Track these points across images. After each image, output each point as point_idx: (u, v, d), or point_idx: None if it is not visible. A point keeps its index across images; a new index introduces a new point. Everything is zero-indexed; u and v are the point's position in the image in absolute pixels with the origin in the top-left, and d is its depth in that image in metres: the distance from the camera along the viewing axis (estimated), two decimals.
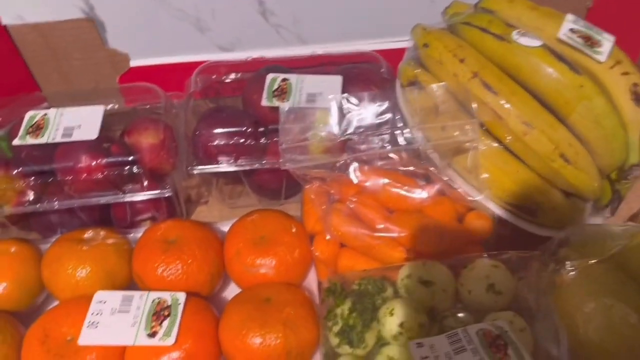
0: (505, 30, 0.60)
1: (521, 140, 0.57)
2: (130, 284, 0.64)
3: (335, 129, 0.62)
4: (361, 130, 0.62)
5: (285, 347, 0.54)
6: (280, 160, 0.61)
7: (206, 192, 0.80)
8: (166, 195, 0.69)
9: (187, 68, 0.77)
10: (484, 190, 0.60)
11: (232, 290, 0.66)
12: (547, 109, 0.58)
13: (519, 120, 0.57)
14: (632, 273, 0.53)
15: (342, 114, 0.62)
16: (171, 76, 0.78)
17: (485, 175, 0.60)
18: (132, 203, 0.69)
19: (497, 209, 0.61)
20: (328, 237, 0.61)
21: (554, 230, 0.61)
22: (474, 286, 0.54)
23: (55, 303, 0.65)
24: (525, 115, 0.57)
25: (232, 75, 0.77)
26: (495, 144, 0.60)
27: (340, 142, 0.61)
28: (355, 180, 0.60)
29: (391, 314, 0.52)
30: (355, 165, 0.60)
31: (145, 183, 0.68)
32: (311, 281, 0.65)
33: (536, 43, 0.58)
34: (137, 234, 0.68)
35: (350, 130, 0.62)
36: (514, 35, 0.59)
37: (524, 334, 0.50)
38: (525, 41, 0.58)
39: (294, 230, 0.64)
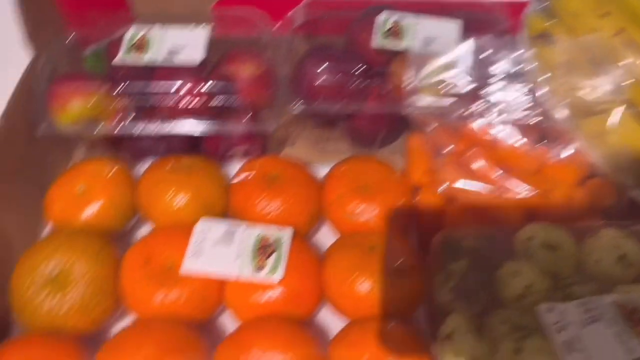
0: None
1: None
2: (226, 217, 0.62)
3: (460, 77, 0.58)
4: (484, 80, 0.59)
5: (392, 296, 0.52)
6: (404, 104, 0.58)
7: (294, 133, 0.77)
8: (261, 132, 0.66)
9: (290, 1, 0.73)
10: (612, 158, 0.57)
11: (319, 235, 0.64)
12: None
13: None
14: None
15: (467, 61, 0.58)
16: (272, 8, 0.74)
17: (615, 142, 0.56)
18: (226, 136, 0.67)
19: (623, 178, 0.57)
20: (439, 189, 0.58)
21: None
22: (602, 256, 0.51)
23: (146, 228, 0.64)
24: None
25: (337, 13, 0.72)
26: (632, 110, 0.56)
27: (467, 90, 0.57)
28: (478, 132, 0.57)
29: (515, 275, 0.49)
30: (479, 116, 0.57)
31: (242, 116, 0.66)
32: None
33: None
34: (229, 167, 0.66)
35: (473, 80, 0.58)
36: None
37: None
38: None
39: (397, 180, 0.61)
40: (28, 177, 0.64)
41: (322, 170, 0.65)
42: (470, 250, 0.53)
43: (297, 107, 0.65)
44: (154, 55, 0.63)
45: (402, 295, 0.53)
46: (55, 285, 0.52)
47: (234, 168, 0.65)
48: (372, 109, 0.65)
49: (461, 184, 0.57)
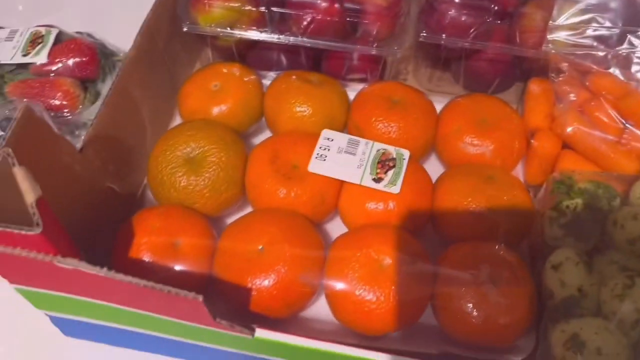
0: None
1: None
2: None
3: (604, 19, 0.58)
4: (632, 26, 0.58)
5: (506, 225, 0.54)
6: (534, 46, 0.58)
7: (405, 70, 0.79)
8: (383, 57, 0.68)
9: None
10: None
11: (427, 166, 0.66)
12: None
13: None
14: None
15: (614, 3, 0.58)
16: None
17: None
18: (350, 58, 0.69)
19: None
20: (558, 132, 0.59)
21: None
22: None
23: (267, 134, 0.68)
24: None
25: None
26: None
27: (611, 34, 0.57)
28: (610, 82, 0.57)
29: (635, 218, 0.50)
30: (618, 64, 0.57)
31: (367, 41, 0.68)
32: None
33: None
34: (348, 89, 0.69)
35: (619, 23, 0.58)
36: None
37: None
38: None
39: (515, 120, 0.63)
40: (164, 71, 0.68)
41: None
42: (585, 191, 0.54)
43: (422, 37, 0.67)
44: None
45: (510, 226, 0.55)
46: (193, 165, 0.57)
47: (354, 90, 0.68)
48: (496, 49, 0.66)
49: (582, 130, 0.57)
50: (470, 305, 0.49)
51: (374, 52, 0.66)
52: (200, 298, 0.38)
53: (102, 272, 0.38)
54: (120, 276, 0.38)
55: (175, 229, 0.53)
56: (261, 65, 0.71)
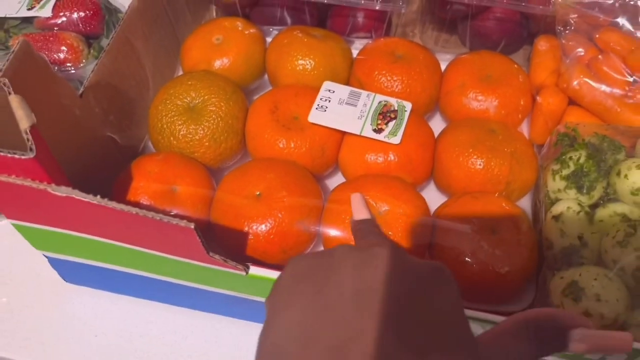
0: None
1: None
2: None
3: None
4: None
5: (508, 177, 0.53)
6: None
7: (412, 32, 0.78)
8: (389, 13, 0.67)
9: None
10: None
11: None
12: None
13: None
14: None
15: None
16: None
17: None
18: (355, 15, 0.69)
19: None
20: (564, 87, 0.58)
21: None
22: None
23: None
24: None
25: None
26: None
27: None
28: (617, 36, 0.56)
29: (639, 168, 0.49)
30: (629, 14, 0.55)
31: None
32: None
33: None
34: (352, 46, 0.68)
35: None
36: None
37: None
38: None
39: (521, 77, 0.62)
40: (167, 25, 0.68)
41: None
42: (589, 143, 0.53)
43: None
44: None
45: (513, 178, 0.54)
46: (193, 114, 0.56)
47: (357, 48, 0.67)
48: (504, 5, 0.65)
49: (588, 83, 0.56)
50: (468, 254, 0.49)
51: (378, 7, 0.65)
52: (192, 226, 0.38)
53: (96, 199, 0.38)
54: (113, 204, 0.38)
55: (173, 175, 0.53)
56: (265, 22, 0.71)
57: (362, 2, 0.64)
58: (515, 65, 0.63)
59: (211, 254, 0.41)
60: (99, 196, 0.38)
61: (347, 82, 0.64)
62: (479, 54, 0.64)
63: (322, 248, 0.53)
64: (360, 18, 0.69)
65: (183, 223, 0.38)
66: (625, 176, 0.50)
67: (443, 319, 0.26)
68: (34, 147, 0.38)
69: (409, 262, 0.28)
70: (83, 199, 0.38)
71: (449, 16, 0.72)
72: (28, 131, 0.38)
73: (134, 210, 0.38)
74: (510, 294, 0.51)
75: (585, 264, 0.47)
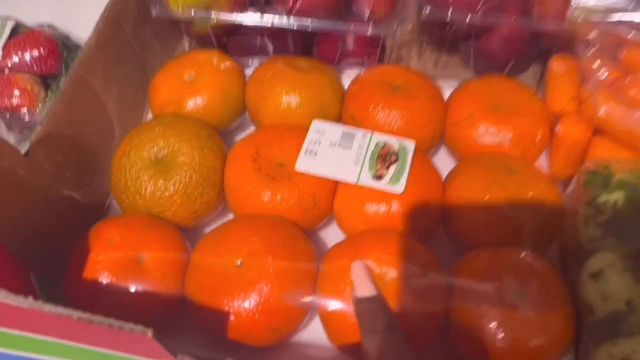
0: None
1: None
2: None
3: None
4: None
5: (531, 225, 0.45)
6: (555, 18, 0.50)
7: (407, 55, 0.71)
8: (380, 38, 0.60)
9: None
10: None
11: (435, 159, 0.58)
12: None
13: None
14: None
15: None
16: None
17: None
18: (344, 41, 0.61)
19: None
20: (590, 116, 0.50)
21: None
22: None
23: (252, 129, 0.60)
24: None
25: None
26: None
27: None
28: None
29: None
30: None
31: (362, 21, 0.59)
32: None
33: None
34: (343, 76, 0.61)
35: None
36: None
37: None
38: None
39: (536, 104, 0.54)
40: (133, 62, 0.60)
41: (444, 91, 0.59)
42: (626, 183, 0.45)
43: (426, 15, 0.58)
44: None
45: (537, 226, 0.46)
46: (161, 167, 0.48)
47: (348, 77, 0.60)
48: (511, 24, 0.58)
49: (617, 111, 0.49)
50: (495, 324, 0.41)
51: (370, 32, 0.57)
52: (150, 333, 0.30)
53: (26, 303, 0.30)
54: (48, 307, 0.30)
55: (139, 241, 0.44)
56: (244, 53, 0.63)
57: (352, 27, 0.57)
58: (528, 91, 0.55)
59: (179, 356, 0.33)
60: (30, 298, 0.30)
61: (338, 119, 0.56)
62: (486, 80, 0.56)
63: (317, 320, 0.45)
64: (351, 44, 0.62)
65: (139, 329, 0.30)
66: None
67: None
68: None
69: None
70: (10, 303, 0.30)
71: (449, 37, 0.64)
72: None
73: (75, 314, 0.30)
74: None
75: (637, 333, 0.39)
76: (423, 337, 0.42)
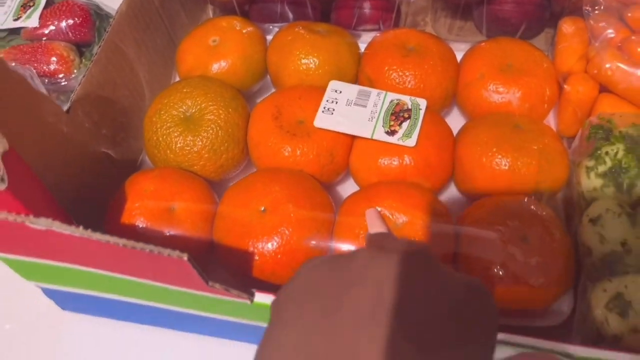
0: None
1: None
2: None
3: None
4: None
5: (537, 177, 0.48)
6: None
7: (423, 21, 0.73)
8: (397, 5, 0.62)
9: None
10: None
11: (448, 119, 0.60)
12: None
13: None
14: None
15: None
16: None
17: None
18: (361, 7, 0.64)
19: None
20: (595, 72, 0.53)
21: None
22: None
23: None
24: None
25: None
26: None
27: None
28: None
29: None
30: None
31: None
32: None
33: None
34: (359, 41, 0.63)
35: None
36: None
37: None
38: None
39: (545, 64, 0.56)
40: (161, 30, 0.64)
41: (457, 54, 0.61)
42: (627, 135, 0.48)
43: None
44: None
45: (542, 178, 0.49)
46: (189, 124, 0.52)
47: (365, 42, 0.62)
48: None
49: (622, 68, 0.51)
50: (498, 265, 0.44)
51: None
52: (185, 257, 0.34)
53: (78, 231, 0.34)
54: (97, 235, 0.34)
55: (171, 192, 0.48)
56: (265, 20, 0.66)
57: None
58: (538, 52, 0.57)
59: (211, 283, 0.37)
60: (81, 227, 0.34)
61: (355, 80, 0.59)
62: (497, 41, 0.58)
63: None
64: (367, 9, 0.64)
65: (176, 254, 0.34)
66: None
67: (476, 349, 0.24)
68: (6, 177, 0.34)
69: (442, 276, 0.25)
70: (64, 232, 0.34)
71: (462, 1, 0.66)
72: (0, 160, 0.34)
73: (121, 242, 0.34)
74: (544, 307, 0.46)
75: (631, 272, 0.42)
76: None
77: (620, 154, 0.46)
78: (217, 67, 0.58)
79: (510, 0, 0.63)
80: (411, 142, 0.50)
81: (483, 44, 0.59)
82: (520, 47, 0.58)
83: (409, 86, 0.55)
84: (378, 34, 0.61)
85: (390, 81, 0.56)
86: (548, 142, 0.50)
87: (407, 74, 0.55)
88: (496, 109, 0.55)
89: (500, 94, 0.55)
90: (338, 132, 0.52)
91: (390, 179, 0.51)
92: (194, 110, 0.53)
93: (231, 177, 0.56)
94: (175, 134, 0.52)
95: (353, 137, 0.53)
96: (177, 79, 0.63)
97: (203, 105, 0.53)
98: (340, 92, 0.53)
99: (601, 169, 0.47)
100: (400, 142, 0.50)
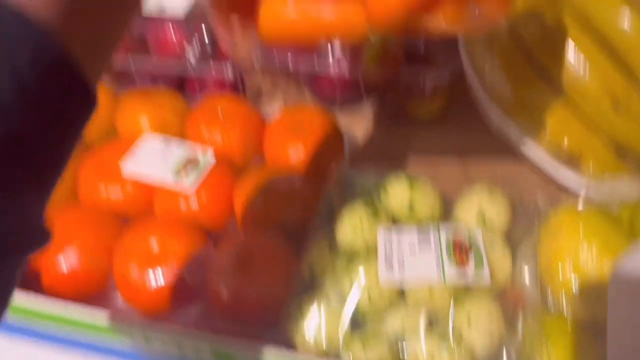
0: None
1: None
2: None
3: None
4: None
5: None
6: None
7: (267, 89, 0.83)
8: (231, 77, 0.75)
9: None
10: None
11: None
12: None
13: None
14: None
15: None
16: None
17: None
18: (202, 79, 0.77)
19: None
20: None
21: None
22: None
23: None
24: None
25: None
26: None
27: None
28: None
29: None
30: None
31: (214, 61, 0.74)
32: None
33: None
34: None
35: None
36: None
37: None
38: None
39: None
40: None
41: None
42: None
43: (257, 62, 0.73)
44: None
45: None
46: None
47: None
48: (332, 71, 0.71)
49: None
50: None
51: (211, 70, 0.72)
52: None
53: None
54: None
55: None
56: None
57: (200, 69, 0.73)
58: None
59: None
60: None
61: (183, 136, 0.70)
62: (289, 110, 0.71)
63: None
64: (209, 82, 0.77)
65: None
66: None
67: None
68: None
69: None
70: None
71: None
72: None
73: None
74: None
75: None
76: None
77: None
78: None
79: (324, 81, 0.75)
80: (193, 186, 0.60)
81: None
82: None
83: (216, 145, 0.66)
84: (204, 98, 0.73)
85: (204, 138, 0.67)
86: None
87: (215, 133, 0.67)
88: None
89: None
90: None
91: (179, 218, 0.61)
92: None
93: None
94: None
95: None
96: None
97: None
98: (149, 142, 0.65)
99: None
100: (184, 186, 0.60)
